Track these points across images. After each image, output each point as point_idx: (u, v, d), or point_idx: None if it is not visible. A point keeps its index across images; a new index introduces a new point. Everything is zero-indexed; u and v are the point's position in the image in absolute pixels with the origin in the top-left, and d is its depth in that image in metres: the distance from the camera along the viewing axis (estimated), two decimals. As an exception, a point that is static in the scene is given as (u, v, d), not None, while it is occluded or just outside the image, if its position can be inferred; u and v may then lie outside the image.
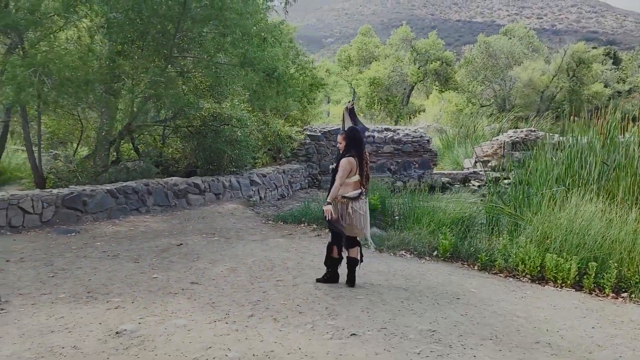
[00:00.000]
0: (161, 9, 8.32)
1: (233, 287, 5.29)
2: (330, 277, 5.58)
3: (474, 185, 17.63)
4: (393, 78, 35.61)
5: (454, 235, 7.12)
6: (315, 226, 8.70)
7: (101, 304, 4.67)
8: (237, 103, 10.94)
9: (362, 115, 33.39)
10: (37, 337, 3.86)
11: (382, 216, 8.76)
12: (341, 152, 5.28)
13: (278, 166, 14.23)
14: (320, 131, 15.95)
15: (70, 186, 8.88)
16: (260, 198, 12.47)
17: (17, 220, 7.55)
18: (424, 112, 38.76)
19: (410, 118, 36.59)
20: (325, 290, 5.26)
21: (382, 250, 7.25)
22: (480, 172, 18.40)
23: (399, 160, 17.17)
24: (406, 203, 8.86)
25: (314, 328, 4.23)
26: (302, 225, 8.84)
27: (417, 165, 17.34)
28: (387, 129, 17.30)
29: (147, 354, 3.64)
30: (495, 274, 6.48)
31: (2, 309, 4.42)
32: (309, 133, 15.71)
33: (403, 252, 7.16)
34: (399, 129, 17.54)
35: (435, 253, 7.05)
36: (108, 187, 8.91)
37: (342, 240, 5.41)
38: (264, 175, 12.77)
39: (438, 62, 34.65)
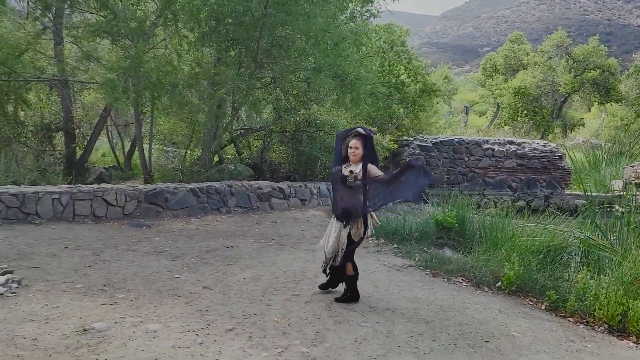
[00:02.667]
0: (244, 17, 8.44)
1: (242, 296, 5.01)
2: (351, 296, 5.04)
3: (616, 210, 15.05)
4: (543, 88, 32.37)
5: (523, 266, 5.96)
6: (382, 241, 8.08)
7: (103, 298, 4.70)
8: (328, 108, 10.68)
9: (504, 127, 30.88)
10: (14, 324, 3.96)
11: (459, 237, 7.77)
12: (354, 157, 4.73)
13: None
14: (431, 141, 14.99)
15: (158, 183, 9.42)
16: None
17: (100, 211, 8.18)
18: (582, 126, 34.62)
19: (566, 132, 32.96)
20: (335, 311, 4.71)
21: (437, 274, 6.37)
22: (629, 196, 15.63)
23: (522, 177, 15.39)
24: (488, 224, 7.74)
25: (282, 354, 3.74)
26: (370, 238, 8.23)
27: (543, 184, 15.36)
28: (510, 142, 15.63)
29: (90, 356, 3.50)
30: (564, 317, 5.25)
31: (13, 293, 4.67)
32: (419, 143, 14.86)
33: (460, 279, 6.20)
34: (524, 143, 15.73)
35: (498, 284, 5.98)
36: (191, 186, 9.26)
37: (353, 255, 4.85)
38: (360, 185, 12.30)
39: (598, 70, 30.63)
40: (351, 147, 4.75)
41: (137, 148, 11.33)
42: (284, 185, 10.68)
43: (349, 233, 4.84)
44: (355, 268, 4.96)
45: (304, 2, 8.45)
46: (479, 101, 43.52)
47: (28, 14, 11.42)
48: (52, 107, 12.21)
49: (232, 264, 6.16)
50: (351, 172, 4.80)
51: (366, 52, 11.36)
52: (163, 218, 8.68)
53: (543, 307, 5.47)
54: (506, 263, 6.06)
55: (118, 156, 14.09)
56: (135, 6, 8.70)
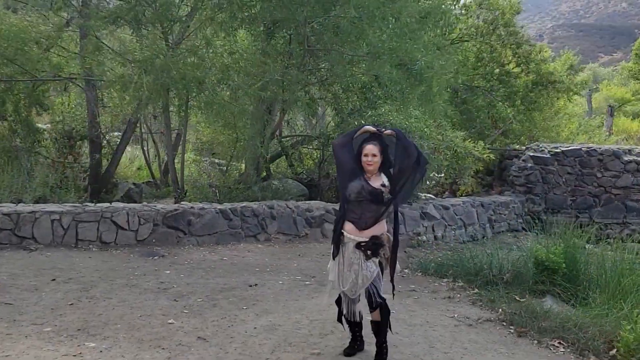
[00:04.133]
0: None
1: (243, 352, 4.76)
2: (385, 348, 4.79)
3: None
4: None
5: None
6: (461, 284, 7.53)
7: (68, 347, 4.64)
8: (399, 108, 10.25)
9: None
10: (-56, 374, 3.97)
11: (567, 282, 7.00)
12: (372, 167, 4.51)
13: (476, 197, 12.94)
14: (549, 151, 14.02)
15: (183, 203, 9.47)
16: (436, 237, 11.52)
17: (108, 236, 8.32)
18: None
19: None
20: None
21: (525, 333, 5.71)
22: None
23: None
24: (610, 265, 6.92)
25: None
26: (444, 280, 7.79)
27: None
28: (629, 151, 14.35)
29: None
30: None
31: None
32: (532, 154, 13.96)
33: (557, 342, 5.50)
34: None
35: (612, 352, 5.22)
36: (221, 207, 9.23)
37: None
38: (446, 208, 11.76)
39: None
40: (366, 155, 4.50)
41: (167, 157, 11.57)
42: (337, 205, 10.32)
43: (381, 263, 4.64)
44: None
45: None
46: (632, 99, 40.67)
47: (52, 3, 12.11)
48: (76, 112, 12.82)
49: (248, 308, 5.97)
50: (383, 185, 4.50)
51: (455, 33, 10.80)
52: (184, 246, 8.69)
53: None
54: (625, 321, 5.29)
55: (154, 170, 14.51)
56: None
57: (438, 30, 9.95)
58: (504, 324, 5.99)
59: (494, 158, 13.35)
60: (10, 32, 9.93)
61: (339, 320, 4.94)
